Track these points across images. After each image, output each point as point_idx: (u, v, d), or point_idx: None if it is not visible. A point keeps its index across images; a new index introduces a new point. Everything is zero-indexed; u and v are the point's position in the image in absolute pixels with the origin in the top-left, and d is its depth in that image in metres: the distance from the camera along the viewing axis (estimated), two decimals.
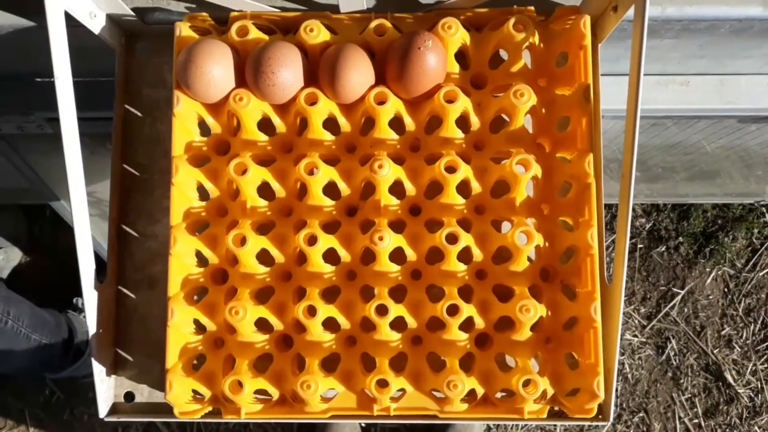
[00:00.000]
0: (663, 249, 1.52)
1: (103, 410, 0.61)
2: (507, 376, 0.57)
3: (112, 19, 0.61)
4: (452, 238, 0.56)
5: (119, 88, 0.63)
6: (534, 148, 0.59)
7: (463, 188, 0.58)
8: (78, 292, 0.58)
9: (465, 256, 0.58)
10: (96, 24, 0.59)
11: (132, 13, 0.60)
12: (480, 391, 0.57)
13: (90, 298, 0.59)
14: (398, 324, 0.58)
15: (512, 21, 0.57)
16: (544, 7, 0.59)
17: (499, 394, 0.58)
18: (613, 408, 0.56)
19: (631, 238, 1.53)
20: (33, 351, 1.08)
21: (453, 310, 0.56)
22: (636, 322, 1.50)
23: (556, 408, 0.59)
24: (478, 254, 0.58)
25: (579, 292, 0.57)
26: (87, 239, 0.58)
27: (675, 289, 1.50)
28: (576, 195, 0.58)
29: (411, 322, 0.58)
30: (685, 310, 1.50)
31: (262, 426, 1.39)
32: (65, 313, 1.23)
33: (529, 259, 0.58)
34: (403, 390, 0.58)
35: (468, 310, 0.57)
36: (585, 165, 0.56)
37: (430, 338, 0.59)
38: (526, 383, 0.56)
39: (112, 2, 0.59)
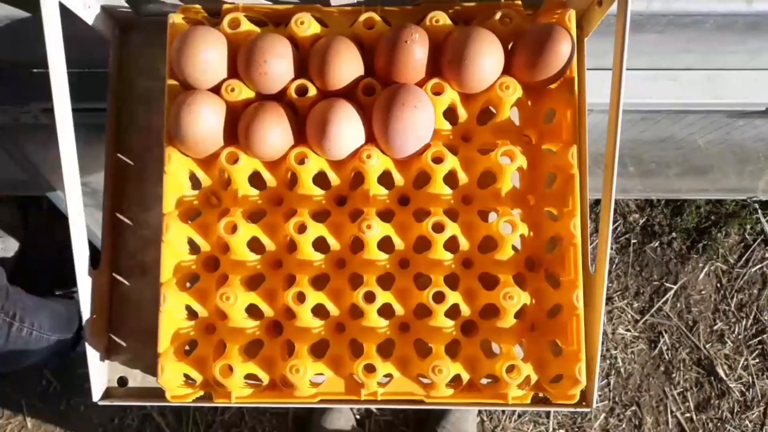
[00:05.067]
0: (656, 244, 1.53)
1: (96, 394, 0.62)
2: (491, 362, 0.58)
3: (106, 10, 0.62)
4: (439, 227, 0.58)
5: (113, 78, 0.64)
6: (520, 139, 0.60)
7: (451, 179, 0.59)
8: (72, 283, 0.59)
9: (452, 245, 0.59)
10: (90, 15, 0.60)
11: (126, 4, 0.61)
12: (465, 376, 0.59)
13: (84, 284, 0.60)
14: (386, 311, 0.59)
15: (498, 15, 0.58)
16: (531, 1, 0.60)
17: (484, 380, 0.59)
18: (596, 394, 0.57)
19: (624, 234, 1.53)
20: (51, 347, 1.16)
21: (439, 298, 0.57)
22: (629, 316, 1.51)
23: (540, 394, 0.60)
24: (464, 243, 0.59)
25: (562, 280, 0.58)
26: (81, 226, 0.59)
27: (668, 284, 1.51)
28: (560, 186, 0.59)
29: (398, 309, 0.59)
30: (678, 305, 1.51)
31: (257, 417, 1.40)
32: (74, 297, 1.27)
33: (514, 248, 0.59)
34: (390, 375, 0.59)
35: (454, 297, 0.58)
36: (569, 156, 0.57)
37: (417, 325, 0.60)
38: (510, 369, 0.57)
39: None
